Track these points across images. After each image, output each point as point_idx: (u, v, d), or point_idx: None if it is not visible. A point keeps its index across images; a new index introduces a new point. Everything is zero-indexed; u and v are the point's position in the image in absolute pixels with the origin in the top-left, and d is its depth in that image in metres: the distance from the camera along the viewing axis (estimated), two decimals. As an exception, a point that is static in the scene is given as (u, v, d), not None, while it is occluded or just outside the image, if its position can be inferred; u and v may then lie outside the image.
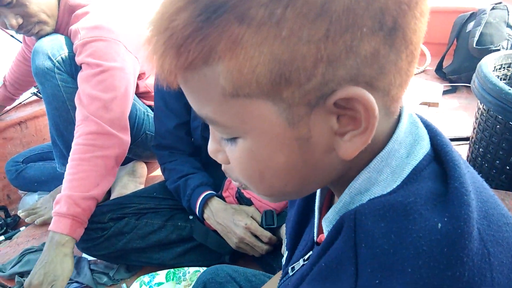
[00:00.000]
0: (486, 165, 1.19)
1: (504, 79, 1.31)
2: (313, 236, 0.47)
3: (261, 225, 1.07)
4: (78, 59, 1.24)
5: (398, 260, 0.31)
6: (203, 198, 1.11)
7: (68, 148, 1.42)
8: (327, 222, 0.41)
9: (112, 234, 1.19)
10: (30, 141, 1.90)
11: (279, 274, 0.73)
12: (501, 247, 0.32)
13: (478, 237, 0.31)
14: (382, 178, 0.36)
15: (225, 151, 0.39)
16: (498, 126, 1.11)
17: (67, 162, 1.44)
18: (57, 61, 1.28)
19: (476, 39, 1.95)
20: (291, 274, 0.50)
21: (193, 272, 1.17)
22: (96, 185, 1.15)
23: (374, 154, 0.37)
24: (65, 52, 1.29)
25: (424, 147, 0.38)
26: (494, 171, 1.16)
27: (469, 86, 2.00)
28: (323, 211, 0.47)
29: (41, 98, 1.82)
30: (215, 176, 1.19)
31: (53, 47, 1.28)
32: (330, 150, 0.35)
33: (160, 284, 1.15)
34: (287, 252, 0.55)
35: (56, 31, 1.33)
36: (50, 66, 1.29)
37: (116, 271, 1.24)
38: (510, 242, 0.33)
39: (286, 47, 0.30)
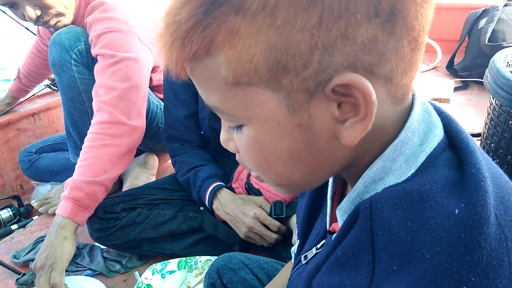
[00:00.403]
0: (497, 160, 1.18)
1: (517, 75, 1.31)
2: (326, 225, 0.47)
3: (270, 215, 1.08)
4: (93, 51, 1.25)
5: (415, 246, 0.31)
6: (212, 189, 1.13)
7: (82, 139, 1.44)
8: (341, 212, 0.41)
9: (124, 224, 1.21)
10: (43, 132, 1.92)
11: (292, 262, 0.74)
12: None
13: (495, 222, 0.32)
14: (396, 167, 0.37)
15: (234, 140, 0.41)
16: (510, 122, 1.11)
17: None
18: (74, 53, 1.30)
19: (488, 35, 1.94)
20: (303, 262, 0.50)
21: (204, 261, 1.18)
22: (104, 172, 1.15)
23: (384, 143, 0.37)
24: (81, 44, 1.30)
25: (437, 134, 0.38)
26: (506, 166, 1.16)
27: (481, 83, 2.00)
28: (335, 200, 0.48)
29: (54, 90, 1.85)
30: (224, 167, 1.21)
31: (70, 39, 1.30)
32: (334, 138, 0.36)
33: (172, 272, 1.17)
34: (298, 241, 0.55)
35: (72, 23, 1.35)
36: (67, 58, 1.31)
37: (128, 259, 1.25)
38: None
39: (281, 35, 0.31)
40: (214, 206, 1.13)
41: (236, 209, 1.08)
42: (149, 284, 1.13)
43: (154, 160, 1.69)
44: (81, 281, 1.17)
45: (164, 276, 1.16)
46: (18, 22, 1.72)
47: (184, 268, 1.18)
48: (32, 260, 1.26)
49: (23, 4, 1.21)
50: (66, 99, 1.38)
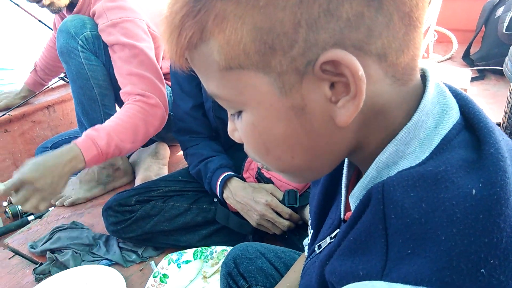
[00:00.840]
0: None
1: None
2: (340, 214, 0.47)
3: (282, 204, 1.07)
4: (109, 39, 1.27)
5: (430, 228, 0.30)
6: (222, 179, 1.13)
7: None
8: (354, 198, 0.41)
9: (139, 216, 1.22)
10: (58, 124, 1.94)
11: (304, 254, 0.73)
12: None
13: None
14: (410, 151, 0.36)
15: (237, 128, 0.41)
16: (531, 110, 1.08)
17: None
18: (80, 40, 1.33)
19: (506, 24, 1.90)
20: (317, 251, 0.50)
21: (220, 251, 1.19)
22: (128, 140, 1.19)
23: (392, 126, 0.36)
24: (87, 31, 1.32)
25: (453, 116, 0.37)
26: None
27: (498, 73, 1.96)
28: (349, 189, 0.47)
29: (68, 82, 1.86)
30: (235, 158, 1.21)
31: (76, 26, 1.32)
32: (329, 119, 0.35)
33: (188, 262, 1.17)
34: (312, 230, 0.55)
35: (77, 12, 1.38)
36: (74, 45, 1.33)
37: (144, 249, 1.26)
38: None
39: (265, 15, 0.32)
40: (224, 196, 1.14)
41: (247, 197, 1.08)
42: (165, 274, 1.14)
43: (165, 150, 1.70)
44: (98, 270, 1.18)
45: (180, 266, 1.16)
46: (34, 17, 1.74)
47: (200, 258, 1.18)
48: (49, 250, 1.28)
49: None
50: (76, 86, 1.39)
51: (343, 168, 0.48)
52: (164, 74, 1.61)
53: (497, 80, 1.97)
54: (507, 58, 1.16)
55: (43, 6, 1.33)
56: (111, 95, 1.47)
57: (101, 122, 1.46)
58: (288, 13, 0.31)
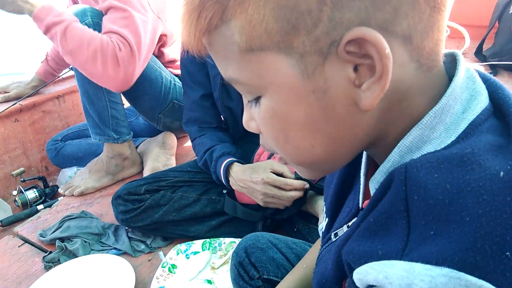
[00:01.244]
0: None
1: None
2: (358, 202, 0.46)
3: (298, 178, 1.06)
4: (104, 5, 1.29)
5: (455, 210, 0.29)
6: (224, 166, 1.12)
7: (100, 115, 1.46)
8: (374, 183, 0.40)
9: (148, 206, 1.22)
10: (67, 115, 1.95)
11: (319, 242, 0.73)
12: None
13: None
14: (435, 136, 0.35)
15: (255, 117, 0.40)
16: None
17: (100, 132, 1.48)
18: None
19: (520, 20, 1.87)
20: (334, 240, 0.49)
21: (228, 243, 1.18)
22: (75, 43, 1.25)
23: (416, 113, 0.35)
24: (88, 18, 1.33)
25: (481, 102, 0.36)
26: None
27: (511, 70, 1.93)
28: (368, 178, 0.45)
29: (78, 72, 1.86)
30: (244, 151, 1.21)
31: (77, 14, 1.32)
32: (352, 104, 0.34)
33: (196, 253, 1.17)
34: (327, 219, 0.54)
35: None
36: None
37: (153, 240, 1.26)
38: None
39: None
40: (230, 183, 1.14)
41: (246, 179, 1.07)
42: (173, 264, 1.14)
43: (172, 140, 1.70)
44: (107, 259, 1.18)
45: (189, 257, 1.16)
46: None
47: (208, 249, 1.18)
48: (59, 238, 1.29)
49: None
50: (80, 74, 1.39)
51: (361, 156, 0.47)
52: (168, 62, 1.62)
53: (509, 76, 1.94)
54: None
55: None
56: None
57: (107, 111, 1.46)
58: None
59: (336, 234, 0.48)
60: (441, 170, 0.31)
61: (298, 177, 1.06)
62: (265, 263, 0.79)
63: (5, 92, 1.82)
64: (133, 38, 1.27)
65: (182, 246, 1.19)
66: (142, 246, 1.24)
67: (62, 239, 1.29)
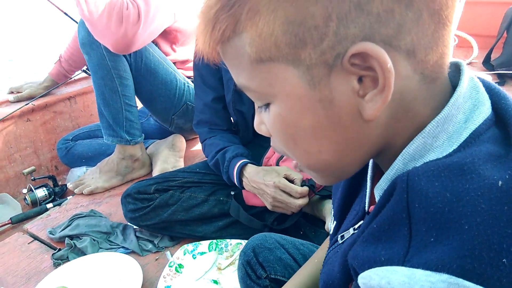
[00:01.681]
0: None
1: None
2: (364, 206, 0.47)
3: (304, 184, 1.07)
4: None
5: (454, 218, 0.30)
6: (238, 167, 1.14)
7: (115, 118, 1.49)
8: (379, 190, 0.41)
9: (157, 205, 1.24)
10: (78, 116, 1.98)
11: (327, 242, 0.74)
12: None
13: None
14: (437, 144, 0.36)
15: (264, 121, 0.42)
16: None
17: (113, 133, 1.51)
18: None
19: (529, 30, 1.88)
20: (340, 242, 0.50)
21: (235, 244, 1.20)
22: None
23: (419, 124, 0.37)
24: None
25: (484, 111, 0.37)
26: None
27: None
28: (374, 183, 0.46)
29: (89, 75, 1.89)
30: (253, 154, 1.22)
31: None
32: (357, 113, 0.36)
33: (203, 253, 1.19)
34: (334, 222, 0.55)
35: None
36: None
37: (160, 239, 1.28)
38: None
39: (297, 9, 0.33)
40: (243, 184, 1.15)
41: (259, 181, 1.09)
42: (180, 264, 1.15)
43: (181, 143, 1.72)
44: (115, 257, 1.20)
45: (195, 257, 1.18)
46: (61, 10, 1.78)
47: (215, 250, 1.20)
48: (68, 236, 1.31)
49: None
50: (97, 77, 1.42)
51: (368, 162, 0.48)
52: (181, 62, 1.64)
53: (518, 86, 1.95)
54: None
55: None
56: (131, 86, 1.50)
57: (122, 113, 1.49)
58: (319, 7, 0.32)
59: (342, 237, 0.50)
60: (441, 178, 0.33)
61: (303, 184, 1.08)
62: (272, 262, 0.80)
63: (18, 92, 1.85)
64: (143, 5, 1.29)
65: (189, 247, 1.20)
66: (150, 246, 1.26)
67: (71, 237, 1.31)
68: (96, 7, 1.27)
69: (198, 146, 1.93)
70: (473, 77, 0.39)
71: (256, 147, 1.25)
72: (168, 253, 1.23)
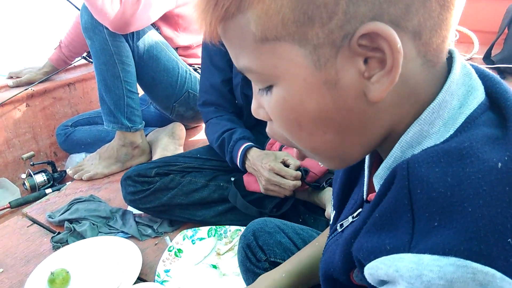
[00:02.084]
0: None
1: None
2: (363, 195, 0.47)
3: (303, 179, 1.09)
4: None
5: (456, 201, 0.31)
6: (243, 149, 1.15)
7: (116, 104, 1.49)
8: (378, 179, 0.41)
9: (158, 188, 1.24)
10: (77, 102, 1.97)
11: (328, 230, 0.74)
12: None
13: None
14: (434, 131, 0.36)
15: (264, 106, 0.41)
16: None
17: (114, 120, 1.51)
18: None
19: (530, 26, 1.88)
20: (339, 230, 0.51)
21: (234, 231, 1.20)
22: None
23: (419, 108, 0.37)
24: None
25: (477, 96, 0.37)
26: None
27: (519, 75, 1.94)
28: (372, 171, 0.47)
29: (90, 62, 1.89)
30: (256, 139, 1.22)
31: None
32: (362, 95, 0.35)
33: (202, 239, 1.19)
34: (334, 211, 0.56)
35: None
36: (98, 21, 1.35)
37: (160, 225, 1.28)
38: None
39: None
40: (246, 166, 1.16)
41: (258, 163, 1.11)
42: (179, 249, 1.16)
43: (181, 131, 1.73)
44: (114, 241, 1.20)
45: (194, 242, 1.18)
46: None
47: (214, 236, 1.20)
48: (67, 220, 1.31)
49: None
50: (99, 62, 1.42)
51: None
52: (182, 48, 1.64)
53: (517, 81, 1.95)
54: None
55: None
56: (133, 72, 1.50)
57: (123, 99, 1.49)
58: None
59: (342, 225, 0.50)
60: (441, 164, 0.33)
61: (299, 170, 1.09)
62: (272, 246, 0.81)
63: (17, 77, 1.85)
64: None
65: (188, 232, 1.21)
66: (149, 231, 1.26)
67: (70, 221, 1.32)
68: None
69: (198, 135, 1.93)
70: (465, 64, 0.39)
71: (259, 134, 1.26)
72: (167, 238, 1.24)
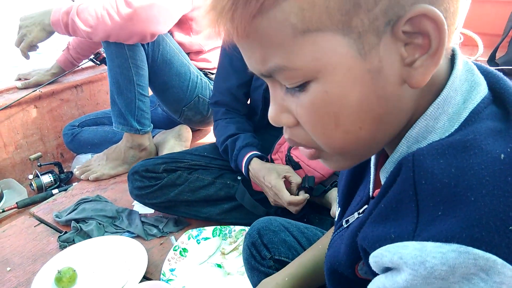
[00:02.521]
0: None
1: None
2: (369, 191, 0.48)
3: (303, 186, 1.09)
4: None
5: (460, 191, 0.32)
6: (247, 159, 1.15)
7: (127, 107, 1.51)
8: (385, 173, 0.42)
9: (165, 184, 1.25)
10: (84, 104, 1.99)
11: (331, 231, 0.75)
12: None
13: None
14: (439, 126, 0.37)
15: (291, 109, 0.39)
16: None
17: (124, 122, 1.52)
18: None
19: (535, 29, 1.88)
20: (345, 226, 0.52)
21: (238, 231, 1.21)
22: (88, 25, 1.38)
23: (432, 99, 0.37)
24: None
25: (481, 91, 0.38)
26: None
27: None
28: (378, 169, 0.47)
29: (96, 64, 1.91)
30: (265, 139, 1.23)
31: None
32: (401, 83, 0.35)
33: (206, 238, 1.20)
34: (339, 208, 0.57)
35: None
36: None
37: (165, 225, 1.29)
38: None
39: None
40: (250, 175, 1.17)
41: (260, 179, 1.11)
42: (185, 248, 1.17)
43: (188, 133, 1.74)
44: (120, 241, 1.21)
45: (199, 242, 1.19)
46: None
47: (219, 235, 1.21)
48: (74, 220, 1.33)
49: None
50: (113, 65, 1.43)
51: None
52: (194, 53, 1.65)
53: (522, 84, 1.95)
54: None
55: None
56: (146, 76, 1.52)
57: (135, 102, 1.51)
58: None
59: (347, 221, 0.51)
60: (446, 156, 0.34)
61: (301, 187, 1.09)
62: (277, 244, 0.82)
63: (26, 79, 1.87)
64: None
65: (194, 232, 1.22)
66: (155, 231, 1.27)
67: (77, 221, 1.33)
68: (87, 20, 1.34)
69: (204, 138, 1.95)
70: (467, 60, 0.40)
71: (270, 132, 1.26)
72: (172, 237, 1.25)
